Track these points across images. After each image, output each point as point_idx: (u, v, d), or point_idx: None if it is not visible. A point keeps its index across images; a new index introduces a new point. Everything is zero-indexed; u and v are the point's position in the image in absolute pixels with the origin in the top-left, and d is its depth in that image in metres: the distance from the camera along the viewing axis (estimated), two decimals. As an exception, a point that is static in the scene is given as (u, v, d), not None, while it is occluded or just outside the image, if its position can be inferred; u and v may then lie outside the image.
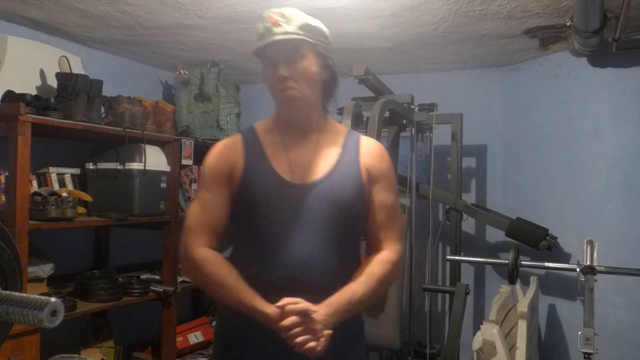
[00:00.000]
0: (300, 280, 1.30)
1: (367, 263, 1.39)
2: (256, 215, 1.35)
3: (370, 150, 1.43)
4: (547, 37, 2.76)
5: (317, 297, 1.27)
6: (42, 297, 0.77)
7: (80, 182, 2.82)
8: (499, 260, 3.02)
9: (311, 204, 1.33)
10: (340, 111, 2.68)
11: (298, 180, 1.35)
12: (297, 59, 1.33)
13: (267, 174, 1.36)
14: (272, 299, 1.26)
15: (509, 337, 2.56)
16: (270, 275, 1.31)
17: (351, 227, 1.39)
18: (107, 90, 2.80)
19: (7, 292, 0.82)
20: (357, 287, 1.31)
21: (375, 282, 1.34)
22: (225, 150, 1.43)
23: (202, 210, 1.39)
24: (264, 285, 1.30)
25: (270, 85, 1.37)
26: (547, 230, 2.90)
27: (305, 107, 1.37)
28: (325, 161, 1.38)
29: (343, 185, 1.35)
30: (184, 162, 3.03)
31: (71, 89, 2.49)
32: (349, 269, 1.37)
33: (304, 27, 1.34)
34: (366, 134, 2.44)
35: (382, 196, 1.40)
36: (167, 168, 2.93)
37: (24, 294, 0.80)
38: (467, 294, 2.88)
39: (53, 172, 2.66)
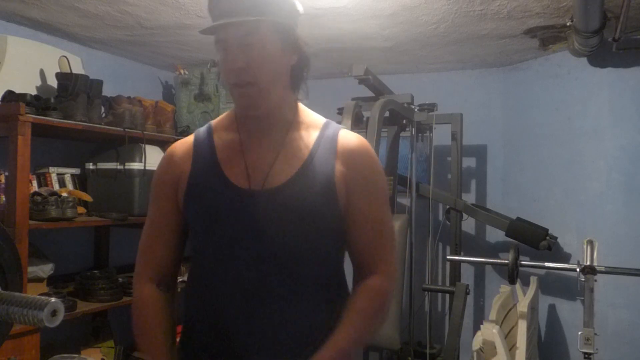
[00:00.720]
0: (258, 327, 1.06)
1: (354, 295, 1.13)
2: (201, 234, 1.12)
3: (349, 147, 1.13)
4: (547, 37, 2.76)
5: (285, 347, 1.06)
6: (42, 297, 0.77)
7: (80, 182, 2.82)
8: (499, 260, 3.02)
9: (270, 217, 1.06)
10: (341, 111, 2.68)
11: (255, 187, 1.08)
12: (255, 45, 1.05)
13: (215, 181, 1.10)
14: (225, 353, 1.08)
15: (509, 337, 2.56)
16: (217, 321, 1.10)
17: (324, 246, 1.11)
18: (107, 90, 2.80)
19: (7, 292, 0.82)
20: (343, 336, 1.05)
21: (365, 321, 1.08)
22: (172, 157, 1.19)
23: (149, 233, 1.19)
24: (212, 334, 1.11)
25: (223, 75, 1.11)
26: (547, 230, 2.90)
27: (268, 103, 1.10)
28: (291, 163, 1.10)
29: (310, 191, 1.07)
30: (184, 162, 3.03)
31: (71, 89, 2.49)
32: (327, 302, 1.11)
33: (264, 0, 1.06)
34: (366, 134, 2.44)
35: (363, 206, 1.11)
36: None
37: (24, 294, 0.80)
38: (467, 294, 2.88)
39: (53, 172, 2.66)
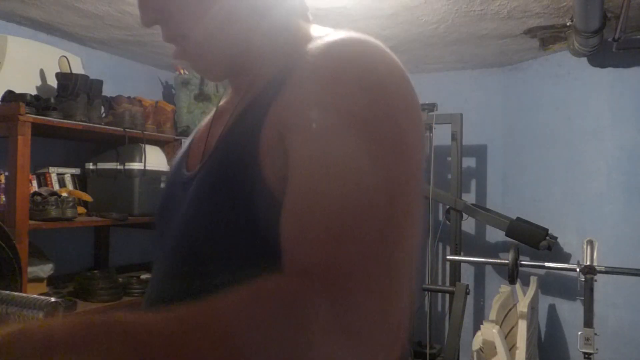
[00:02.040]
0: None
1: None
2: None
3: (308, 77, 0.59)
4: (547, 37, 2.76)
5: None
6: (42, 297, 0.77)
7: (80, 182, 2.82)
8: (499, 260, 3.02)
9: (184, 212, 0.69)
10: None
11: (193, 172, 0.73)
12: None
13: (176, 170, 0.79)
14: None
15: (509, 337, 2.56)
16: None
17: (236, 255, 0.61)
18: (107, 90, 2.80)
19: (7, 292, 0.82)
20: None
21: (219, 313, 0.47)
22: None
23: None
24: None
25: None
26: (547, 230, 2.90)
27: (210, 59, 0.70)
28: (221, 129, 0.71)
29: (218, 171, 0.65)
30: (184, 162, 3.04)
31: (71, 89, 2.49)
32: None
33: None
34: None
35: (294, 154, 0.56)
36: (167, 168, 2.93)
37: (24, 294, 0.80)
38: (467, 294, 2.88)
39: (53, 172, 2.67)
